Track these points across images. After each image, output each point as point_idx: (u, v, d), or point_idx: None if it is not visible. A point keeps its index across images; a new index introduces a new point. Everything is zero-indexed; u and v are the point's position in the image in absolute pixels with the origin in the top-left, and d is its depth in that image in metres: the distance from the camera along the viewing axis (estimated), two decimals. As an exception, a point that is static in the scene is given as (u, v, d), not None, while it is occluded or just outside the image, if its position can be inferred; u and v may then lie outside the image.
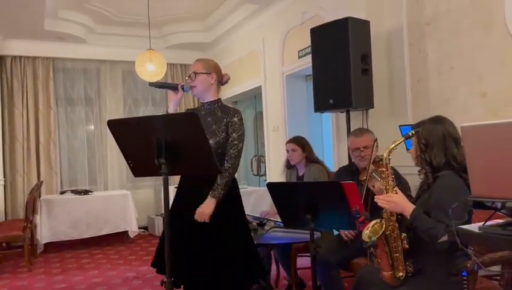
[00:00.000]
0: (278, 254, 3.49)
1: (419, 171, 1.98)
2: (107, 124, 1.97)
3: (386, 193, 1.90)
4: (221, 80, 2.58)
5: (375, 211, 2.01)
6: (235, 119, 2.45)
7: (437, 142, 1.89)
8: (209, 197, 2.35)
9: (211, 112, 2.50)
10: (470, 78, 3.09)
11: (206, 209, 2.33)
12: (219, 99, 2.56)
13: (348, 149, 2.98)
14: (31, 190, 5.14)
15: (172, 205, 2.47)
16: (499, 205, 1.37)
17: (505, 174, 1.32)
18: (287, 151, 3.55)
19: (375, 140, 2.83)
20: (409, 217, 1.83)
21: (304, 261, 3.63)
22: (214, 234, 2.36)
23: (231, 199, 2.45)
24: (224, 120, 2.44)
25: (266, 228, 3.15)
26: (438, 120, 1.96)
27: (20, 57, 6.18)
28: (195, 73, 2.48)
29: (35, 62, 6.28)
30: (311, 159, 3.49)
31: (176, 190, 2.59)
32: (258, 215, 3.52)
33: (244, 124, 2.50)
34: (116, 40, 6.46)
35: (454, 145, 1.87)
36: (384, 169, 1.91)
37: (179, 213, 2.43)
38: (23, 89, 6.18)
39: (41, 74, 6.29)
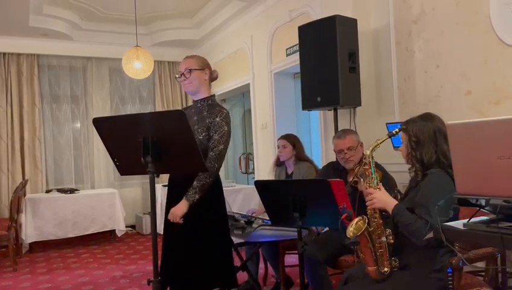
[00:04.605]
0: (265, 252, 3.49)
1: (409, 169, 1.99)
2: (93, 122, 1.95)
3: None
4: (212, 76, 2.54)
5: (363, 209, 2.02)
6: (217, 119, 2.35)
7: (428, 139, 1.89)
8: (183, 198, 2.29)
9: (199, 111, 2.45)
10: (455, 77, 3.12)
11: (177, 210, 2.28)
12: (211, 96, 2.49)
13: (334, 151, 2.98)
14: (16, 188, 5.06)
15: (166, 204, 2.47)
16: (483, 202, 1.38)
17: (489, 171, 1.33)
18: (278, 147, 3.57)
19: (361, 143, 2.84)
20: (390, 213, 1.85)
21: (291, 259, 3.64)
22: (193, 234, 2.33)
23: (213, 200, 2.40)
24: (207, 120, 2.37)
25: (254, 225, 3.16)
26: (428, 117, 1.96)
27: (4, 53, 6.07)
28: (190, 70, 2.40)
29: (19, 59, 6.17)
30: (300, 157, 3.51)
31: (164, 188, 2.57)
32: (245, 213, 3.52)
33: (228, 124, 2.39)
34: (103, 37, 6.38)
35: (444, 142, 1.86)
36: (367, 167, 1.92)
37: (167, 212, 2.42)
38: (7, 86, 6.08)
39: (25, 71, 6.19)
